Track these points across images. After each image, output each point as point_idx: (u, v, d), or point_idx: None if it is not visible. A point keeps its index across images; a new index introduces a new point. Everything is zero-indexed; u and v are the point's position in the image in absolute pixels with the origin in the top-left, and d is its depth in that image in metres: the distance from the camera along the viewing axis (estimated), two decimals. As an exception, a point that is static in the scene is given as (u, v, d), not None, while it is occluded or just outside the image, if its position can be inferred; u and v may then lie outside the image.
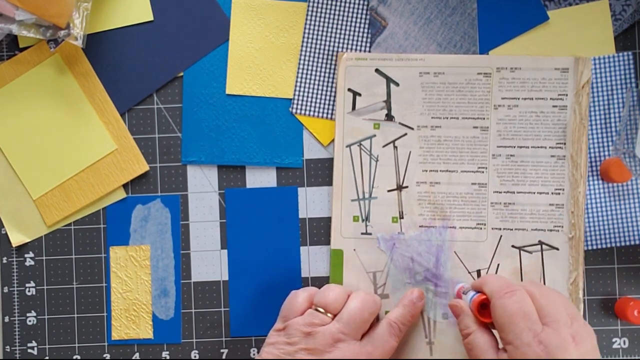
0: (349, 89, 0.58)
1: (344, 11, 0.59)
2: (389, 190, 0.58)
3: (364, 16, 0.59)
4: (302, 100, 0.59)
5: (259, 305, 0.59)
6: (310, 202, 0.60)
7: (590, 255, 0.58)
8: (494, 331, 0.48)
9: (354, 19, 0.59)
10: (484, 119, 0.57)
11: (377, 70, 0.58)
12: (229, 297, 0.60)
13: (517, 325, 0.45)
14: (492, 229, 0.57)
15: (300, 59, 0.59)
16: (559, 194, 0.57)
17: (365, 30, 0.59)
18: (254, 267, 0.60)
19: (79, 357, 0.60)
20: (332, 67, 0.59)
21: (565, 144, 0.57)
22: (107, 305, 0.60)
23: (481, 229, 0.57)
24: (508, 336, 0.45)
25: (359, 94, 0.58)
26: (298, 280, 0.59)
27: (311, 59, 0.59)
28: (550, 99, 0.57)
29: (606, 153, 0.57)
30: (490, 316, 0.48)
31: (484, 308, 0.49)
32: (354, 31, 0.59)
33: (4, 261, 0.61)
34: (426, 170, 0.58)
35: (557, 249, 0.57)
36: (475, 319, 0.49)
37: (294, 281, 0.59)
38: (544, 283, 0.57)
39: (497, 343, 0.48)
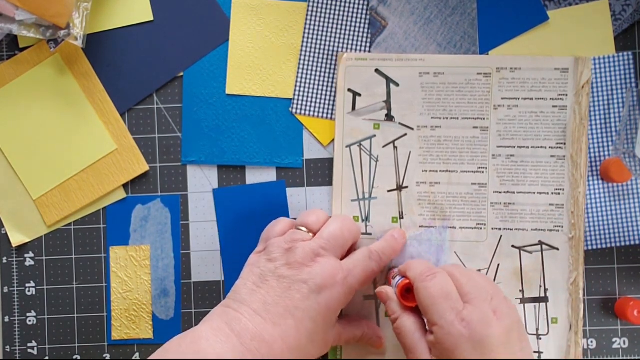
0: (349, 89, 0.58)
1: (344, 11, 0.59)
2: (389, 191, 0.58)
3: (364, 16, 0.59)
4: (302, 100, 0.59)
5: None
6: (310, 202, 0.60)
7: (590, 255, 0.58)
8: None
9: (354, 19, 0.59)
10: (484, 119, 0.57)
11: (377, 71, 0.58)
12: (226, 297, 0.60)
13: (439, 305, 0.46)
14: (492, 229, 0.57)
15: (300, 59, 0.59)
16: (559, 194, 0.57)
17: (365, 30, 0.59)
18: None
19: (79, 357, 0.60)
20: (332, 67, 0.59)
21: (565, 144, 0.57)
22: (107, 305, 0.60)
23: (481, 229, 0.57)
24: (433, 317, 0.46)
25: (359, 94, 0.58)
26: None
27: (311, 59, 0.59)
28: (550, 99, 0.57)
29: (606, 153, 0.57)
30: (415, 300, 0.48)
31: (408, 292, 0.50)
32: (354, 31, 0.59)
33: (4, 261, 0.61)
34: (426, 171, 0.58)
35: (557, 249, 0.57)
36: (401, 304, 0.50)
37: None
38: (545, 283, 0.57)
39: (425, 325, 0.49)
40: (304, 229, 0.52)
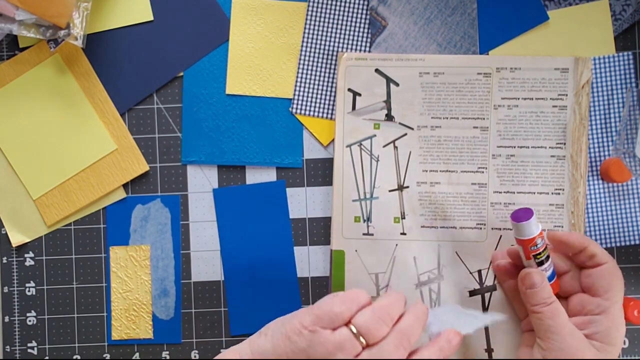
0: (349, 89, 0.58)
1: (344, 11, 0.59)
2: (390, 190, 0.58)
3: (364, 16, 0.59)
4: (302, 100, 0.59)
5: (256, 301, 0.59)
6: (310, 202, 0.60)
7: (590, 255, 0.58)
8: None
9: (354, 19, 0.59)
10: (484, 119, 0.57)
11: (377, 70, 0.58)
12: (226, 297, 0.60)
13: (621, 286, 0.51)
14: (492, 229, 0.57)
15: (300, 59, 0.59)
16: (559, 194, 0.57)
17: (365, 30, 0.59)
18: (248, 265, 0.60)
19: (79, 357, 0.60)
20: (332, 67, 0.59)
21: (565, 144, 0.57)
22: (107, 305, 0.60)
23: (481, 229, 0.57)
24: (614, 296, 0.50)
25: (359, 94, 0.58)
26: (293, 272, 0.59)
27: (311, 59, 0.59)
28: (550, 99, 0.57)
29: (606, 153, 0.57)
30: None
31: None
32: (354, 31, 0.59)
33: (4, 261, 0.61)
34: (426, 171, 0.58)
35: (557, 248, 0.57)
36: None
37: (289, 274, 0.59)
38: (544, 283, 0.57)
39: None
40: (363, 340, 0.46)
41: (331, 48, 0.59)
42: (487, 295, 0.57)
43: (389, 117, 0.58)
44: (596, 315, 0.50)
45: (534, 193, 0.57)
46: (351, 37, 0.59)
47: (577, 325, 0.50)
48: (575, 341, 0.49)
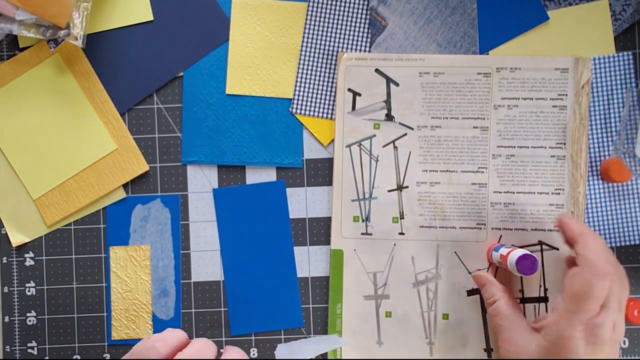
0: (349, 89, 0.58)
1: (344, 11, 0.59)
2: (389, 190, 0.58)
3: (364, 16, 0.59)
4: (302, 100, 0.59)
5: (256, 301, 0.59)
6: (310, 202, 0.60)
7: (590, 255, 0.58)
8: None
9: (354, 19, 0.59)
10: (484, 119, 0.57)
11: (377, 70, 0.58)
12: (226, 297, 0.60)
13: (588, 304, 0.46)
14: (492, 229, 0.57)
15: (300, 59, 0.59)
16: (559, 194, 0.57)
17: (365, 30, 0.59)
18: (248, 265, 0.60)
19: (79, 357, 0.60)
20: (332, 67, 0.59)
21: (565, 144, 0.57)
22: (107, 305, 0.60)
23: (481, 229, 0.57)
24: (575, 308, 0.46)
25: (359, 94, 0.58)
26: (293, 272, 0.59)
27: (311, 59, 0.59)
28: (550, 99, 0.57)
29: (606, 153, 0.57)
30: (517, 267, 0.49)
31: (526, 259, 0.49)
32: (354, 31, 0.59)
33: (4, 261, 0.61)
34: (426, 171, 0.58)
35: (557, 249, 0.57)
36: (502, 287, 0.52)
37: (289, 274, 0.59)
38: (544, 283, 0.57)
39: (521, 310, 0.52)
40: None
41: (331, 48, 0.59)
42: (486, 295, 0.57)
43: (389, 117, 0.58)
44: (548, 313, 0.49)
45: (534, 193, 0.57)
46: (351, 37, 0.59)
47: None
48: (518, 337, 0.49)
